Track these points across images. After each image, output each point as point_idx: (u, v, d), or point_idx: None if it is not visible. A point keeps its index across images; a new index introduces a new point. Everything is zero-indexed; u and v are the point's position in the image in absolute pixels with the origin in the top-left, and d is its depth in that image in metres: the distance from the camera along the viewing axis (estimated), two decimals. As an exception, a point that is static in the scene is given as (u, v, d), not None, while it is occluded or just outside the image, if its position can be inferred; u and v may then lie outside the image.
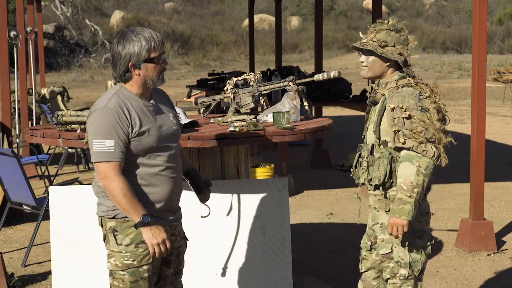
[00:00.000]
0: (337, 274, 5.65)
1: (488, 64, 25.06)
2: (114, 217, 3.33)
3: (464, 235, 6.30)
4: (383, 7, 29.90)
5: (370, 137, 3.63)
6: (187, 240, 3.66)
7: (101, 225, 3.41)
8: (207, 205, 3.81)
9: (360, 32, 3.73)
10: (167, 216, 3.42)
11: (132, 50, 3.25)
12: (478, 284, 5.47)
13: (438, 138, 3.45)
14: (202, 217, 3.91)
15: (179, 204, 3.57)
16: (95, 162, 3.25)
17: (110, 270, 3.36)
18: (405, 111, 3.42)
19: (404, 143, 3.40)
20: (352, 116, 15.88)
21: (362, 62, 3.62)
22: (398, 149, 3.46)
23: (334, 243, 6.55)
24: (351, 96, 9.51)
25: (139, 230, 3.29)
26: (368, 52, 3.59)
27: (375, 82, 3.66)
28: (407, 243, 3.52)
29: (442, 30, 38.88)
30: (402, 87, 3.51)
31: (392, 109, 3.45)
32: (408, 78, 3.56)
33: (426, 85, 3.57)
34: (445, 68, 29.17)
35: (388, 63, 3.59)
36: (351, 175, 3.75)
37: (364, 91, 9.51)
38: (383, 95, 3.56)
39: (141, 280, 3.34)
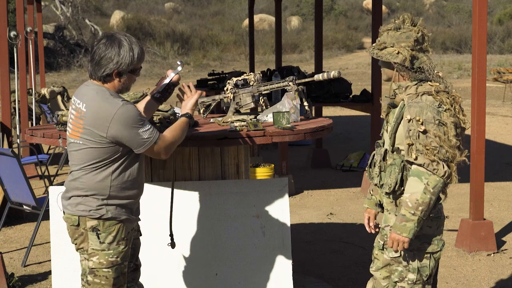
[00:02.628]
0: (337, 274, 5.65)
1: (488, 64, 25.04)
2: (99, 218, 3.38)
3: (464, 235, 6.30)
4: (383, 7, 29.89)
5: (386, 139, 3.55)
6: (141, 235, 3.79)
7: (77, 224, 3.42)
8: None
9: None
10: (137, 214, 3.60)
11: (124, 60, 3.32)
12: (478, 284, 5.47)
13: (452, 155, 3.34)
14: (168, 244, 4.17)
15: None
16: (149, 147, 3.35)
17: (92, 268, 3.41)
18: (422, 124, 3.30)
19: (416, 158, 3.31)
20: (352, 116, 15.91)
21: (380, 66, 3.55)
22: (410, 163, 3.38)
23: (334, 243, 6.55)
24: (351, 96, 9.51)
25: (120, 228, 3.39)
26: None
27: (396, 84, 3.52)
28: (416, 248, 3.47)
29: (442, 30, 38.86)
30: (422, 95, 3.36)
31: (409, 120, 3.34)
32: (430, 83, 3.40)
33: (448, 93, 3.40)
34: (445, 68, 29.14)
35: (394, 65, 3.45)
36: (366, 173, 3.69)
37: (364, 91, 9.52)
38: (403, 100, 3.43)
39: (122, 276, 3.47)
